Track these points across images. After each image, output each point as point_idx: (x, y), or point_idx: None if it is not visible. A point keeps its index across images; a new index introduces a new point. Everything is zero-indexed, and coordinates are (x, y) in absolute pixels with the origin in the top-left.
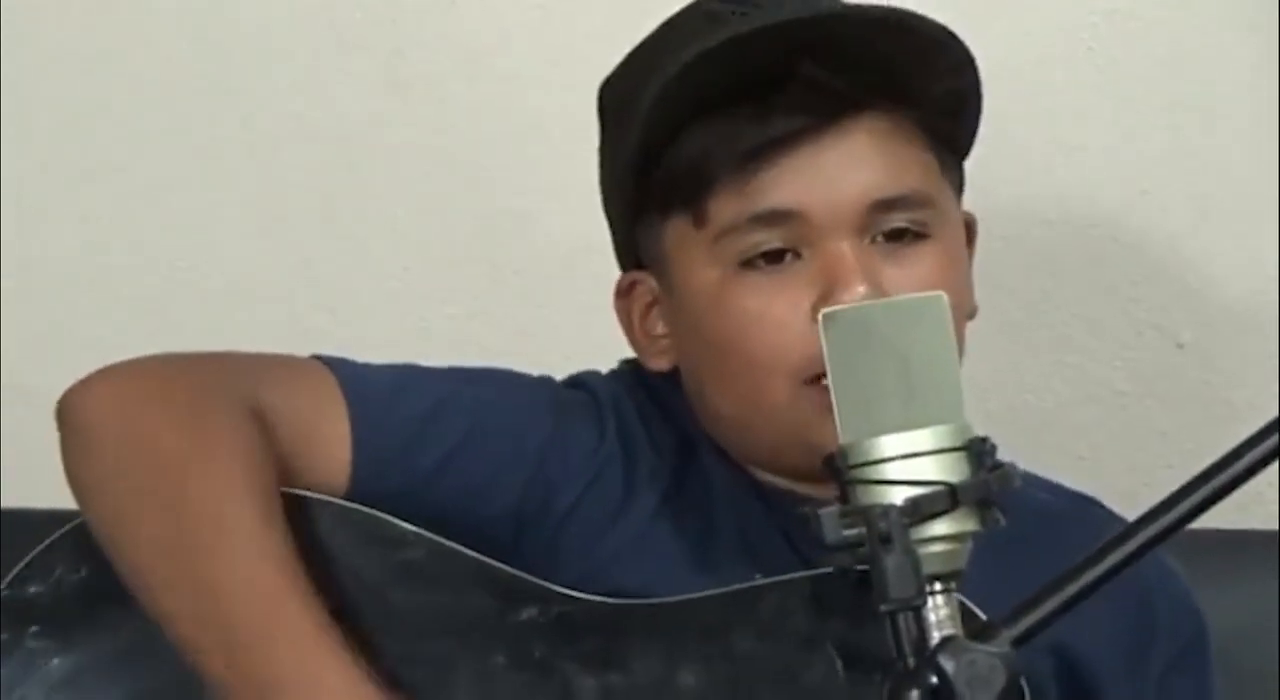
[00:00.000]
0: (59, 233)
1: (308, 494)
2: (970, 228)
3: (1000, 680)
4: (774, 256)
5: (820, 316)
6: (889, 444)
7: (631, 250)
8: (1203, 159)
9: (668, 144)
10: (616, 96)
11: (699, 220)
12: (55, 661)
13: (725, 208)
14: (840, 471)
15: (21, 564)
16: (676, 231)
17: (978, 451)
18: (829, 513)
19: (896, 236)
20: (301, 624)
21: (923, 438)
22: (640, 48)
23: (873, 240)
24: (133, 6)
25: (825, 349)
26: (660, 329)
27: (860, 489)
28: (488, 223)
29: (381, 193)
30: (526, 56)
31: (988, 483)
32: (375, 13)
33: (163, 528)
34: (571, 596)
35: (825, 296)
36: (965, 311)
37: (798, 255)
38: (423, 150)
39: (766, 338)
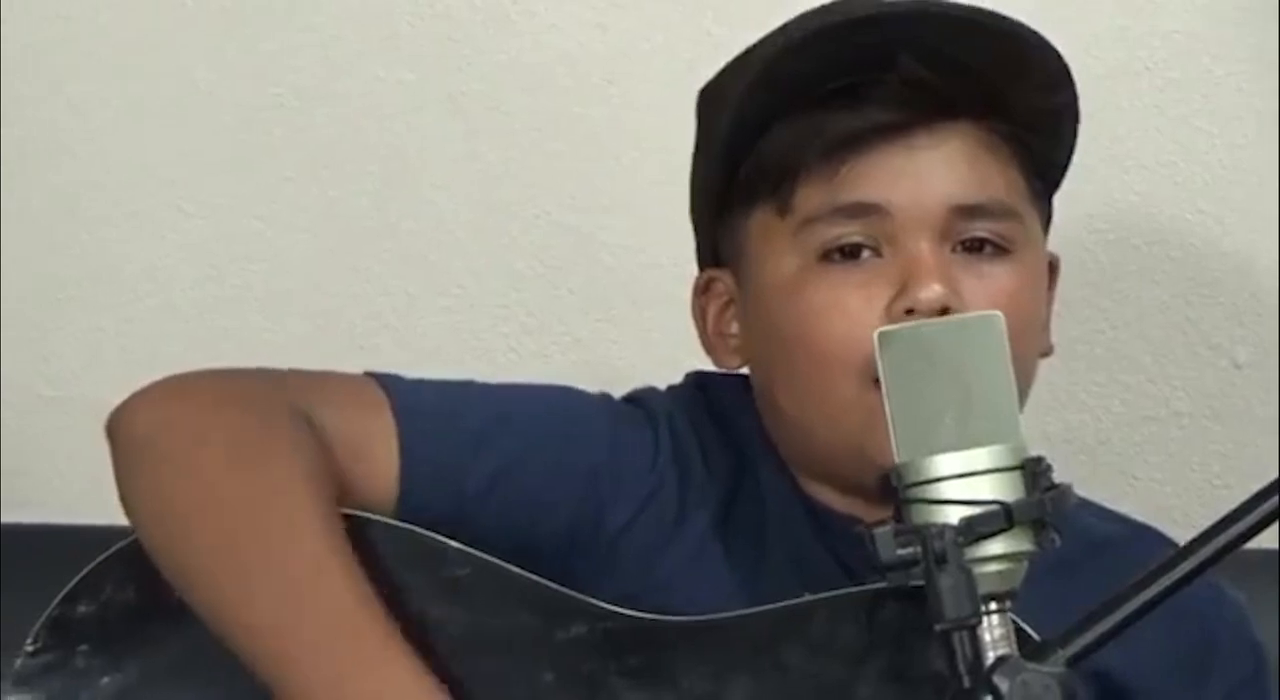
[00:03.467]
0: (113, 243)
1: (356, 512)
2: (1053, 266)
3: None
4: (853, 251)
5: (876, 336)
6: (944, 463)
7: (712, 248)
8: (1261, 176)
9: (758, 136)
10: (711, 95)
11: (783, 209)
12: (105, 680)
13: (810, 197)
14: (895, 490)
15: (71, 583)
16: (760, 222)
17: (1033, 471)
18: (884, 532)
19: (977, 247)
20: (371, 632)
21: (978, 457)
22: (740, 54)
23: (953, 249)
24: (197, 20)
25: (881, 368)
26: (733, 328)
27: (915, 508)
28: (546, 238)
29: (439, 208)
30: (585, 73)
31: (1043, 502)
32: (435, 30)
33: (224, 540)
34: (619, 613)
35: (900, 294)
36: (1037, 338)
37: (878, 253)
38: (481, 166)
39: (837, 330)
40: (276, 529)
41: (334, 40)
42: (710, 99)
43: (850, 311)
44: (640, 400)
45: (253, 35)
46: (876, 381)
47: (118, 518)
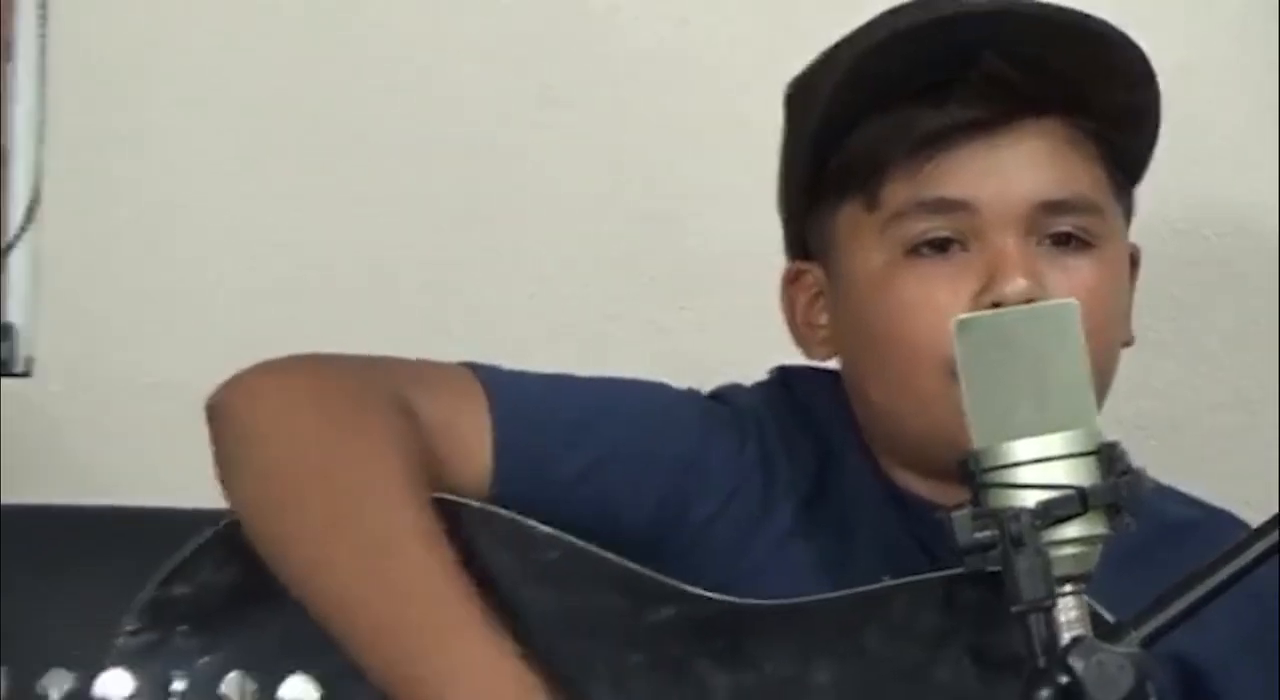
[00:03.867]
0: (208, 232)
1: (450, 496)
2: (1134, 258)
3: (1128, 681)
4: (940, 245)
5: (954, 323)
6: (1021, 448)
7: (801, 241)
8: None
9: (847, 132)
10: (800, 90)
11: (871, 204)
12: (202, 660)
13: (897, 193)
14: (973, 475)
15: (171, 564)
16: (848, 217)
17: (1108, 456)
18: (962, 515)
19: (1062, 242)
20: (456, 608)
21: (1054, 442)
22: (829, 49)
23: (1038, 243)
24: (294, 20)
25: (959, 355)
26: (822, 319)
27: (993, 492)
28: (631, 229)
29: (527, 199)
30: (670, 65)
31: (1118, 487)
32: (524, 24)
33: (316, 518)
34: (706, 597)
35: (986, 288)
36: (1119, 329)
37: (964, 247)
38: (568, 157)
39: (925, 324)
40: (367, 509)
41: (424, 34)
42: (798, 95)
43: (937, 305)
44: (726, 397)
45: (348, 34)
46: None
47: (215, 501)
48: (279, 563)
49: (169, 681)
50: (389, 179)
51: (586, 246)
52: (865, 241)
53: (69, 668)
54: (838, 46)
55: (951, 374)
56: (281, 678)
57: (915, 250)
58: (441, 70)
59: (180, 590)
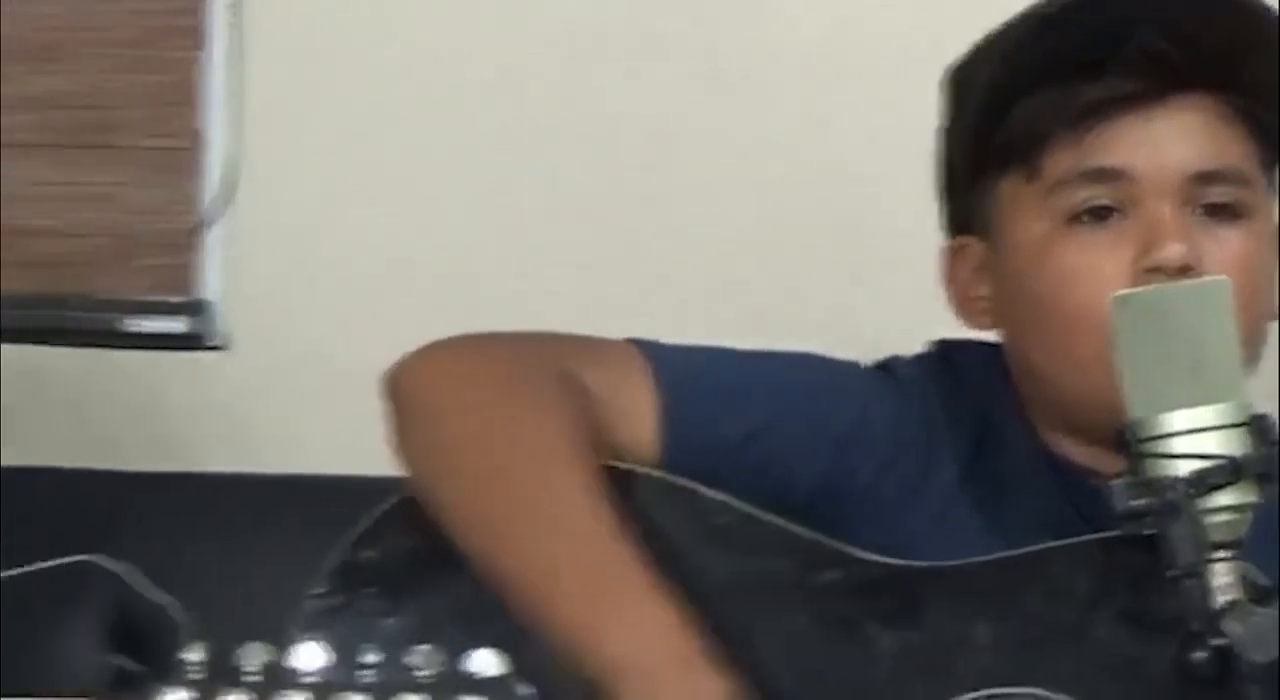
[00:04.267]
0: (394, 215)
1: (622, 464)
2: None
3: None
4: (1099, 214)
5: (1111, 300)
6: (1176, 420)
7: (960, 217)
8: None
9: (1009, 108)
10: (960, 73)
11: (1032, 175)
12: (387, 622)
13: (1059, 162)
14: (1130, 445)
15: (358, 530)
16: (1010, 188)
17: (1258, 427)
18: (1119, 484)
19: (1213, 212)
20: (622, 571)
21: (1207, 414)
22: (986, 36)
23: (1193, 212)
24: (458, 9)
25: (1116, 330)
26: (983, 291)
27: (1149, 462)
28: (802, 208)
29: (700, 180)
30: (837, 49)
31: (1269, 457)
32: (690, 13)
33: (487, 486)
34: (871, 560)
35: (1143, 254)
36: (1267, 300)
37: (1122, 215)
38: (741, 140)
39: (1084, 290)
40: (535, 475)
41: (585, 27)
42: (960, 78)
43: (1097, 271)
44: (888, 367)
45: (514, 25)
46: None
47: (400, 469)
48: (452, 528)
49: (360, 654)
50: (567, 161)
51: (760, 228)
52: (1026, 211)
53: (265, 640)
54: (997, 30)
55: (1109, 338)
56: (468, 650)
57: (1075, 219)
58: (607, 60)
59: (367, 555)
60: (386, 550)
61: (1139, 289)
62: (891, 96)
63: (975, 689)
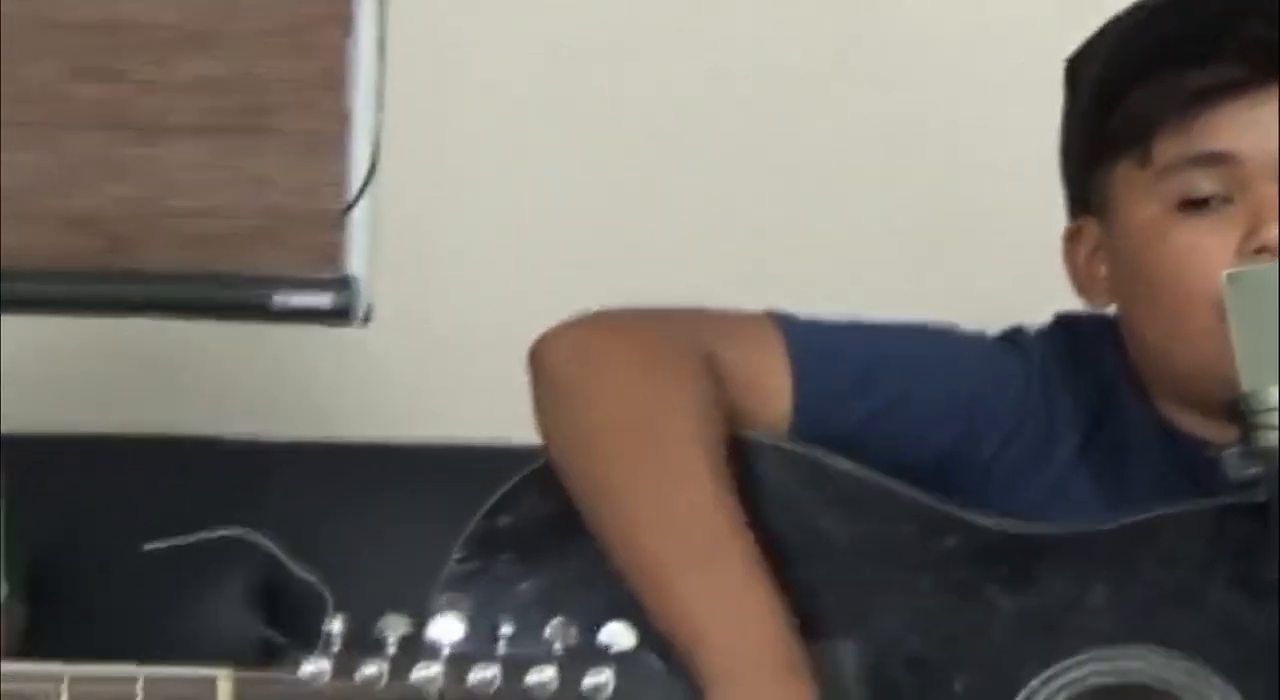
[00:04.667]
0: (532, 194)
1: (752, 434)
2: None
3: None
4: (1208, 198)
5: (1223, 277)
6: None
7: (1079, 199)
8: None
9: (1122, 96)
10: (1079, 62)
11: (1144, 161)
12: (523, 585)
13: (1169, 148)
14: (1242, 416)
15: (496, 496)
16: (1123, 173)
17: None
18: (1232, 453)
19: None
20: (741, 574)
21: None
22: (1103, 28)
23: None
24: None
25: (1228, 306)
26: (1101, 270)
27: (1261, 432)
28: (927, 189)
29: (827, 160)
30: (959, 41)
31: None
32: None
33: (612, 458)
34: (990, 525)
35: (1250, 235)
36: None
37: (1229, 199)
38: (865, 123)
39: (1195, 270)
40: (661, 449)
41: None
42: (1077, 67)
43: (1206, 252)
44: (1011, 339)
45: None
46: None
47: (534, 438)
48: (582, 506)
49: (497, 626)
50: (696, 147)
51: (886, 209)
52: (1138, 196)
53: (404, 608)
54: (1114, 18)
55: (1219, 314)
56: (601, 623)
57: (1185, 204)
58: (736, 42)
59: (504, 521)
60: (523, 516)
61: (1249, 267)
62: (1017, 85)
63: (1091, 650)
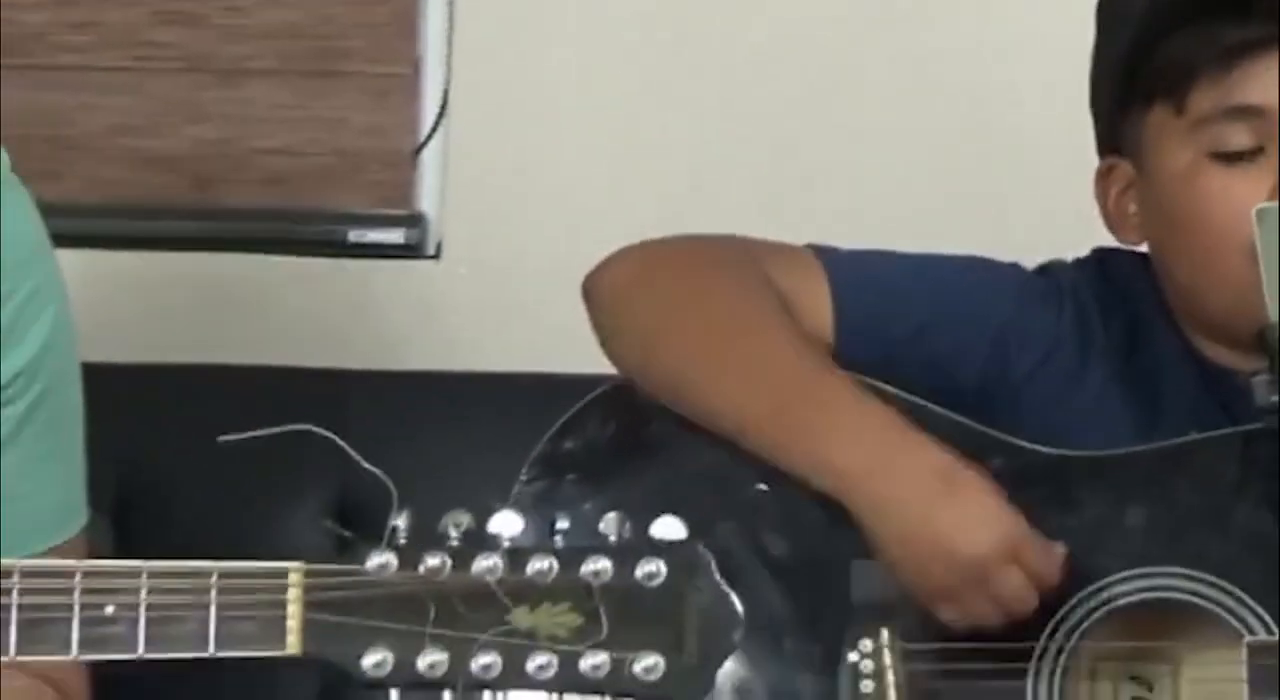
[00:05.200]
0: (593, 135)
1: None
2: None
3: None
4: (1241, 149)
5: (1254, 212)
6: None
7: (1112, 138)
8: None
9: (1156, 44)
10: (1112, 5)
11: (1179, 109)
12: (587, 505)
13: (1204, 98)
14: (1270, 345)
15: (562, 421)
16: (1157, 119)
17: None
18: (1260, 380)
19: None
20: (838, 382)
21: None
22: None
23: None
24: None
25: (1257, 239)
26: (1132, 208)
27: None
28: (965, 129)
29: (876, 105)
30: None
31: None
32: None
33: (710, 342)
34: (1032, 448)
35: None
36: None
37: (1261, 150)
38: (913, 71)
39: (1226, 215)
40: (745, 320)
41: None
42: (1109, 7)
43: (1238, 199)
44: (1048, 269)
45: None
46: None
47: (599, 367)
48: (659, 387)
49: (554, 521)
50: (746, 86)
51: (925, 146)
52: (1173, 142)
53: (467, 509)
54: None
55: (1249, 256)
56: (654, 517)
57: (1218, 153)
58: (841, 57)
59: (569, 444)
60: (586, 440)
61: (1276, 202)
62: (1048, 14)
63: (1126, 569)
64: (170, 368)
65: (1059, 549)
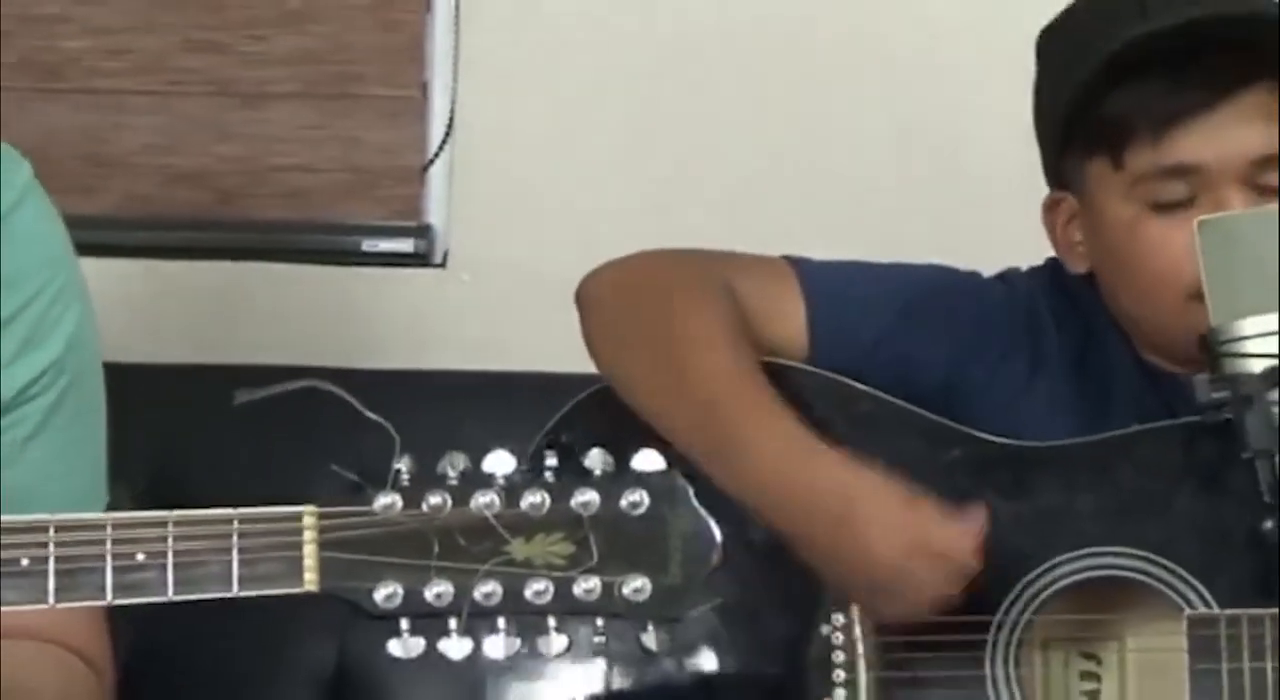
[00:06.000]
0: (592, 155)
1: (779, 360)
2: None
3: None
4: (1177, 203)
5: (1196, 223)
6: (1250, 324)
7: (1057, 175)
8: None
9: (1092, 102)
10: (1057, 48)
11: (1118, 165)
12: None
13: (1140, 158)
14: (1211, 346)
15: (556, 418)
16: (1097, 169)
17: None
18: (1201, 379)
19: (1272, 191)
20: (760, 399)
21: (1275, 320)
22: (1076, 10)
23: (1258, 194)
24: None
25: (1199, 249)
26: (1078, 237)
27: (1227, 361)
28: (923, 150)
29: (846, 133)
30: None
31: None
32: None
33: (661, 372)
34: (990, 440)
35: None
36: None
37: (1195, 202)
38: (882, 96)
39: (1165, 261)
40: (692, 345)
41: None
42: (1058, 53)
43: (1177, 245)
44: (1005, 277)
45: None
46: (1195, 296)
47: (588, 368)
48: (627, 395)
49: (544, 459)
50: (743, 109)
51: (892, 159)
52: (1113, 195)
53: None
54: (1091, 21)
55: (1186, 298)
56: (634, 451)
57: (1156, 207)
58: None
59: (565, 438)
60: (580, 434)
61: (1219, 214)
62: (992, 61)
63: (1076, 549)
64: (198, 368)
65: (975, 526)
